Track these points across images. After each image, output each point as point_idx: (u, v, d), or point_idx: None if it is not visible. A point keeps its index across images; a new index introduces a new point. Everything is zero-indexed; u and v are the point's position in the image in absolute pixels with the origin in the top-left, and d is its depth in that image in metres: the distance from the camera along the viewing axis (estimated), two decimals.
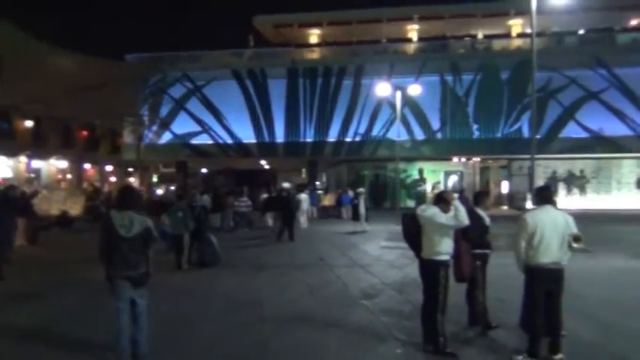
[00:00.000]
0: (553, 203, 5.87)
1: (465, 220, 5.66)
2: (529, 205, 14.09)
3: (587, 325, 6.95)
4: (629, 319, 7.40)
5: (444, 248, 5.78)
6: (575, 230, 5.65)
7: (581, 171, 35.06)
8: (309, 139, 36.08)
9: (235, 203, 21.49)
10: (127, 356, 5.32)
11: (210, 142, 36.94)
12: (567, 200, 33.56)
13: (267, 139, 36.45)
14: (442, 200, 5.83)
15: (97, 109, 32.34)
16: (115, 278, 5.35)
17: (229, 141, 36.75)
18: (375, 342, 6.36)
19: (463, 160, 36.19)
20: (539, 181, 32.85)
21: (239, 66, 36.93)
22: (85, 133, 37.13)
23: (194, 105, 36.94)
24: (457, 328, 6.54)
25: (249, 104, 36.47)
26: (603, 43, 34.82)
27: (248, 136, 36.45)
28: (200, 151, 37.15)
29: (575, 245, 5.64)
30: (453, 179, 36.55)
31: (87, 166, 38.91)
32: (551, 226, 5.58)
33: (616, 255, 13.98)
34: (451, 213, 5.73)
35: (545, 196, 5.87)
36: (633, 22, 37.77)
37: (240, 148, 36.70)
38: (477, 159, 36.26)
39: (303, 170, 41.30)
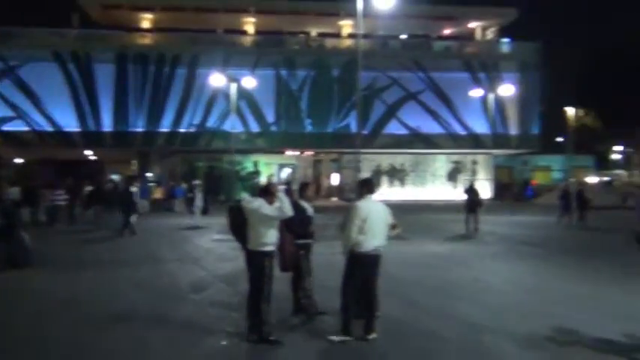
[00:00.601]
0: (374, 193, 6.32)
1: (288, 211, 5.86)
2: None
3: (399, 305, 7.62)
4: (436, 298, 8.27)
5: (270, 239, 5.93)
6: (392, 219, 6.17)
7: (402, 165, 38.28)
8: (139, 129, 34.37)
9: (51, 197, 19.72)
10: None
11: (26, 129, 33.40)
12: (390, 192, 36.41)
13: (92, 127, 33.97)
14: (267, 192, 5.96)
15: None
16: None
17: (48, 128, 33.58)
18: (201, 335, 6.31)
19: (297, 153, 37.28)
20: (366, 174, 35.21)
21: (61, 47, 33.84)
22: None
23: (6, 87, 33.07)
24: (282, 316, 6.74)
25: (72, 89, 33.65)
26: (421, 49, 38.17)
27: (70, 124, 33.63)
28: (13, 139, 33.39)
29: (392, 233, 6.18)
30: (286, 172, 37.53)
31: None
32: (377, 214, 6.04)
33: (428, 241, 15.49)
34: (276, 204, 5.89)
35: (369, 187, 6.31)
36: (446, 32, 41.95)
37: (61, 136, 33.68)
38: (309, 152, 37.61)
39: (134, 162, 39.28)
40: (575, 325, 6.67)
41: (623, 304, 6.22)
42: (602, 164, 51.71)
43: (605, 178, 48.06)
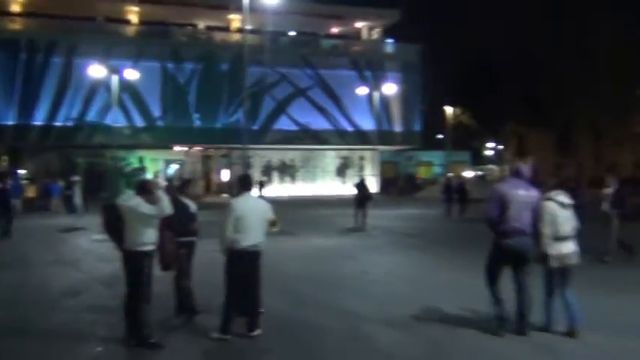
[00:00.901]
0: (251, 190, 6.31)
1: (167, 209, 5.67)
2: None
3: (285, 300, 7.67)
4: (323, 292, 8.41)
5: (148, 238, 5.70)
6: (271, 215, 6.17)
7: (292, 160, 38.59)
8: (10, 122, 31.65)
9: None
10: None
11: None
12: (281, 187, 36.59)
13: None
14: (145, 190, 5.73)
15: None
16: None
17: None
18: (74, 343, 5.94)
19: (185, 148, 36.30)
20: (257, 170, 35.14)
21: None
22: None
23: None
24: (163, 317, 6.50)
25: None
26: (310, 46, 38.70)
27: None
28: None
29: (273, 229, 6.18)
30: (174, 168, 36.42)
31: None
32: (254, 211, 6.01)
33: (318, 235, 15.74)
34: (162, 203, 5.67)
35: (246, 184, 6.29)
36: (334, 30, 42.83)
37: None
38: (198, 148, 36.76)
39: (5, 158, 36.10)
40: (441, 308, 7.19)
41: (483, 288, 6.83)
42: (477, 159, 55.65)
43: (479, 173, 51.76)
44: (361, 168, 38.51)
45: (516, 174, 6.18)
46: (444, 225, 19.61)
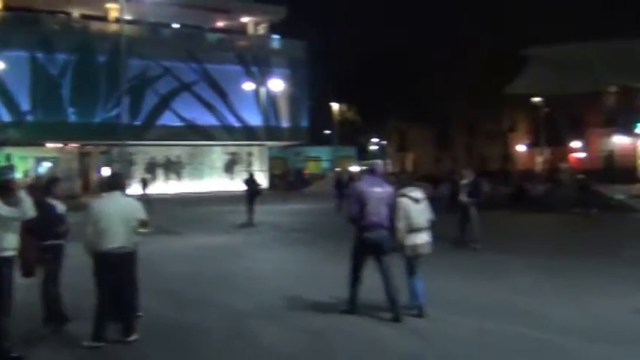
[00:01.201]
0: (122, 189, 6.00)
1: (29, 211, 5.22)
2: (130, 190, 14.15)
3: (167, 302, 7.42)
4: (206, 291, 8.20)
5: (8, 243, 5.20)
6: (141, 216, 5.87)
7: (178, 157, 37.46)
8: None
9: None
10: None
11: None
12: (166, 185, 35.41)
13: None
14: (3, 190, 5.22)
15: None
16: None
17: None
18: None
19: (59, 145, 33.89)
20: (140, 167, 33.72)
21: None
22: None
23: None
24: (30, 327, 6.01)
25: None
26: (194, 39, 37.72)
27: None
28: None
29: (142, 230, 5.89)
30: (46, 166, 33.86)
31: None
32: (117, 212, 5.68)
33: (204, 233, 15.39)
34: (23, 205, 5.20)
35: (113, 183, 6.01)
36: (219, 24, 42.07)
37: None
38: (74, 144, 34.50)
39: None
40: (323, 300, 7.34)
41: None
42: (363, 154, 57.52)
43: (364, 168, 53.55)
44: (249, 164, 38.27)
45: (372, 172, 6.63)
46: (332, 219, 19.83)
